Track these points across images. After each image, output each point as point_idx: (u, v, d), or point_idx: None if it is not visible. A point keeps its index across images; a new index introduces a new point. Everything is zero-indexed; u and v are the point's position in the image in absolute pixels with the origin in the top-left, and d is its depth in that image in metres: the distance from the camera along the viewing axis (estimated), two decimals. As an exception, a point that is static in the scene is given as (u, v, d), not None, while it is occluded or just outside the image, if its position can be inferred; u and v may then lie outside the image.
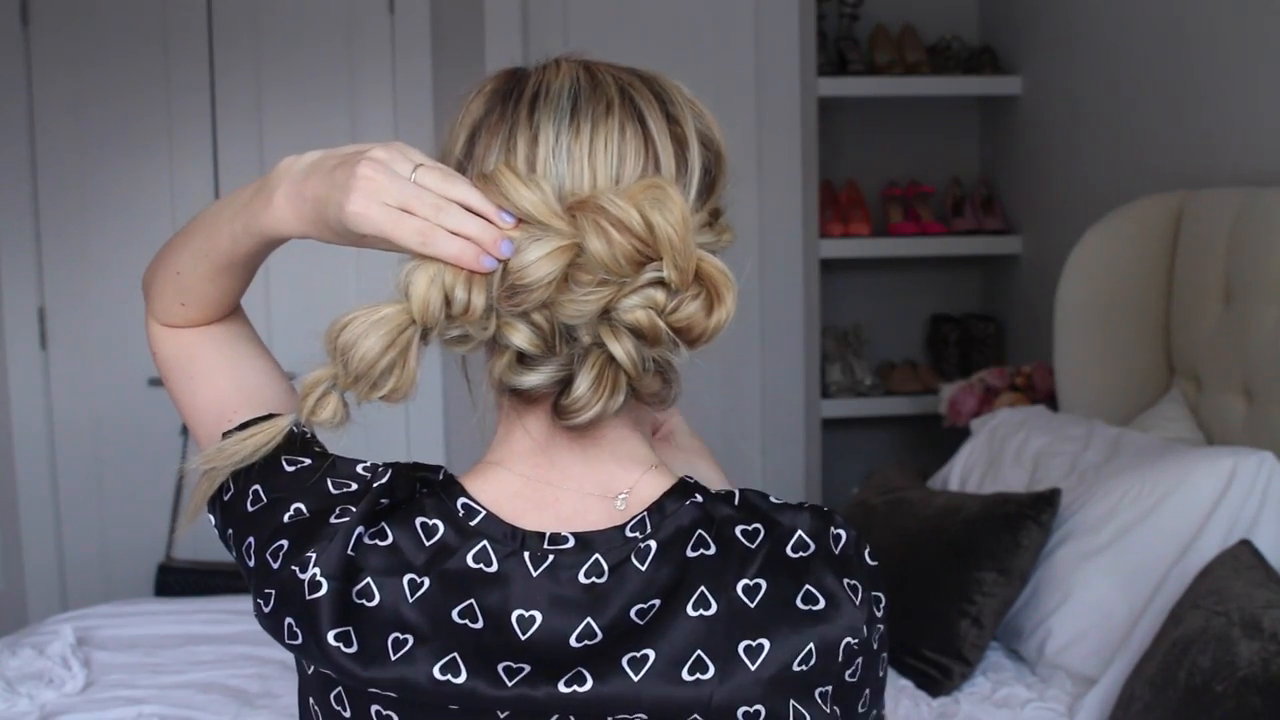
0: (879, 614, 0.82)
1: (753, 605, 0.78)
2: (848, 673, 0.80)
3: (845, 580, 0.80)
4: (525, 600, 0.79)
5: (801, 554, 0.80)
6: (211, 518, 0.88)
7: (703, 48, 3.32)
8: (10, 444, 3.20)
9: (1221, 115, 2.54)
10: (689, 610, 0.78)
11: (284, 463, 0.84)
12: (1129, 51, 2.89)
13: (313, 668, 0.82)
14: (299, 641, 0.79)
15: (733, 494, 0.83)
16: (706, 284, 0.79)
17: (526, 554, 0.80)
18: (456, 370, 0.87)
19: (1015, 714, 1.93)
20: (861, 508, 2.43)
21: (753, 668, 0.77)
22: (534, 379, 0.80)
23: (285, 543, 0.81)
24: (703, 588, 0.78)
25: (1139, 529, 2.01)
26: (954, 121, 3.74)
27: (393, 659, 0.77)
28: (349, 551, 0.79)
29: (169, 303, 0.92)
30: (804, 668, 0.78)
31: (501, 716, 0.78)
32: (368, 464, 0.84)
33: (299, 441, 0.85)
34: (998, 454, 2.49)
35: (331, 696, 0.82)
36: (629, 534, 0.81)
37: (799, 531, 0.81)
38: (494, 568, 0.80)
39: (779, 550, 0.80)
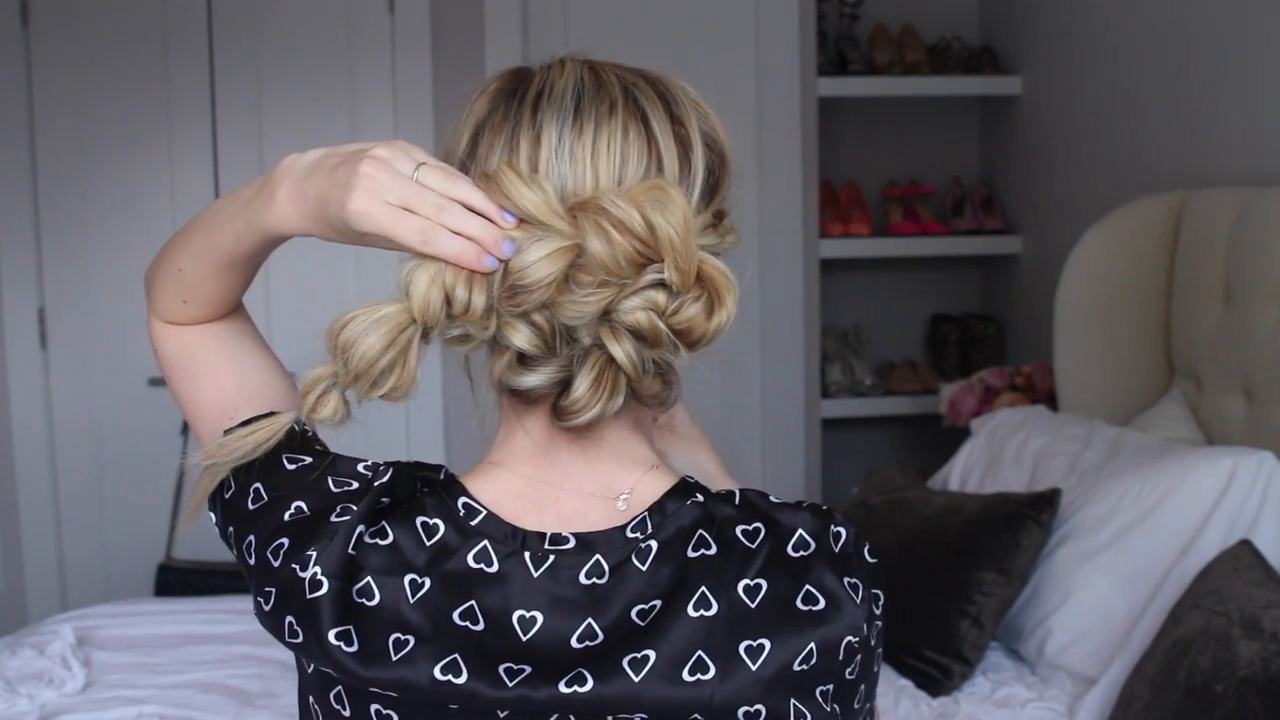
0: (878, 611, 0.83)
1: (753, 605, 0.78)
2: (848, 671, 0.80)
3: (845, 579, 0.80)
4: (526, 601, 0.79)
5: (802, 553, 0.80)
6: (212, 515, 0.88)
7: (703, 48, 3.32)
8: (10, 444, 3.20)
9: (1221, 115, 2.55)
10: (689, 611, 0.78)
11: (285, 461, 0.84)
12: (1129, 51, 2.89)
13: (313, 666, 0.82)
14: (300, 640, 0.79)
15: (733, 494, 0.83)
16: (708, 286, 0.79)
17: (527, 554, 0.80)
18: (457, 370, 0.87)
19: (1015, 714, 1.93)
20: (861, 508, 2.43)
21: (753, 668, 0.77)
22: (534, 379, 0.80)
23: (286, 541, 0.81)
24: (703, 588, 0.78)
25: (1139, 529, 2.01)
26: (954, 121, 3.74)
27: (393, 659, 0.77)
28: (350, 550, 0.79)
29: (171, 300, 0.92)
30: (804, 667, 0.78)
31: (502, 716, 0.78)
32: (369, 463, 0.84)
33: (300, 439, 0.85)
34: (998, 454, 2.49)
35: (331, 695, 0.82)
36: (630, 534, 0.81)
37: (799, 530, 0.81)
38: (494, 568, 0.80)
39: (780, 550, 0.80)
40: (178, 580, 3.01)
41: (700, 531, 0.81)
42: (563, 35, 3.27)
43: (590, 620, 0.78)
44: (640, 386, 0.81)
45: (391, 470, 0.83)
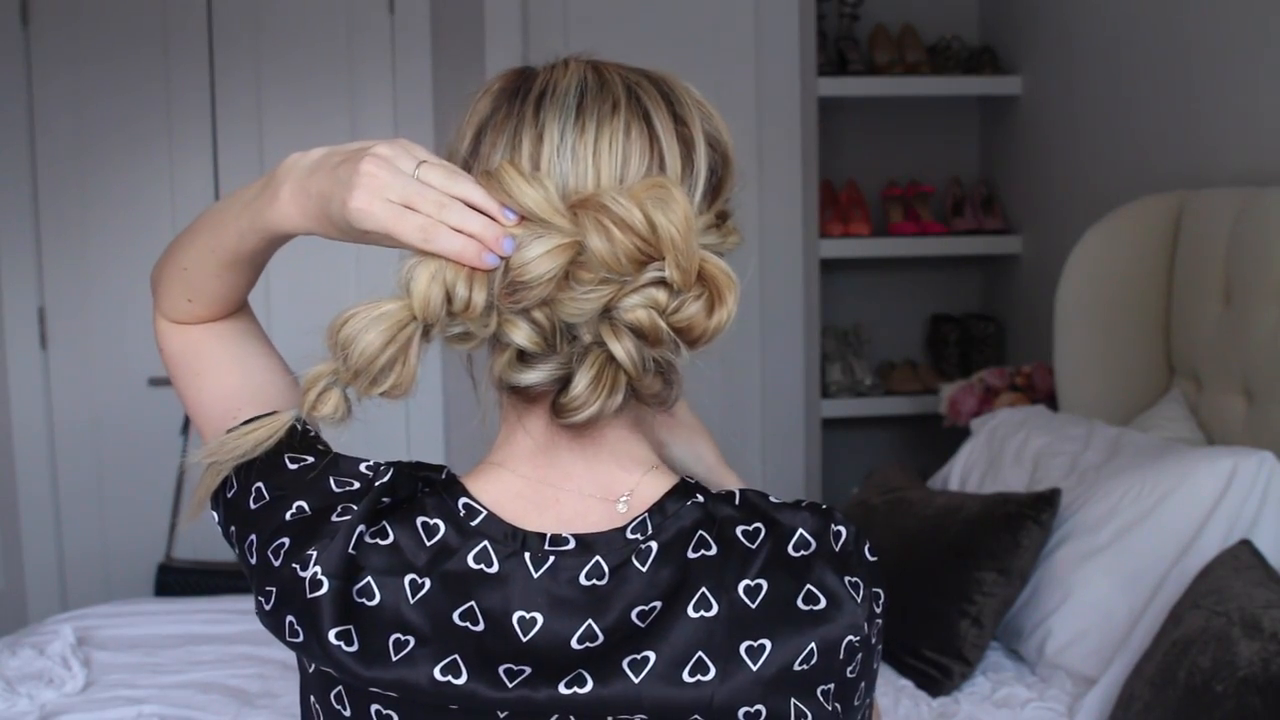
0: (878, 610, 0.83)
1: (754, 606, 0.78)
2: (849, 669, 0.80)
3: (846, 578, 0.80)
4: (526, 602, 0.79)
5: (803, 552, 0.80)
6: (214, 514, 0.88)
7: (703, 48, 3.32)
8: (10, 444, 3.20)
9: (1221, 115, 2.55)
10: (690, 611, 0.78)
11: (287, 460, 0.84)
12: (1129, 51, 2.89)
13: (314, 666, 0.82)
14: (300, 640, 0.79)
15: (733, 494, 0.83)
16: (709, 285, 0.79)
17: (527, 555, 0.80)
18: (457, 370, 0.87)
19: (1015, 714, 1.93)
20: (861, 508, 2.43)
21: (754, 668, 0.77)
22: (533, 376, 0.80)
23: (286, 540, 0.81)
24: (704, 589, 0.78)
25: (1139, 529, 2.01)
26: (954, 121, 3.74)
27: (393, 660, 0.78)
28: (350, 550, 0.79)
29: (176, 299, 0.92)
30: (805, 667, 0.78)
31: (501, 717, 0.78)
32: (370, 462, 0.84)
33: (303, 439, 0.86)
34: (998, 454, 2.49)
35: (332, 695, 0.82)
36: (630, 535, 0.81)
37: (800, 530, 0.81)
38: (494, 568, 0.80)
39: (780, 549, 0.80)
40: (178, 580, 3.02)
41: (700, 532, 0.81)
42: (563, 35, 3.27)
43: (590, 621, 0.78)
44: (641, 385, 0.80)
45: (392, 470, 0.83)
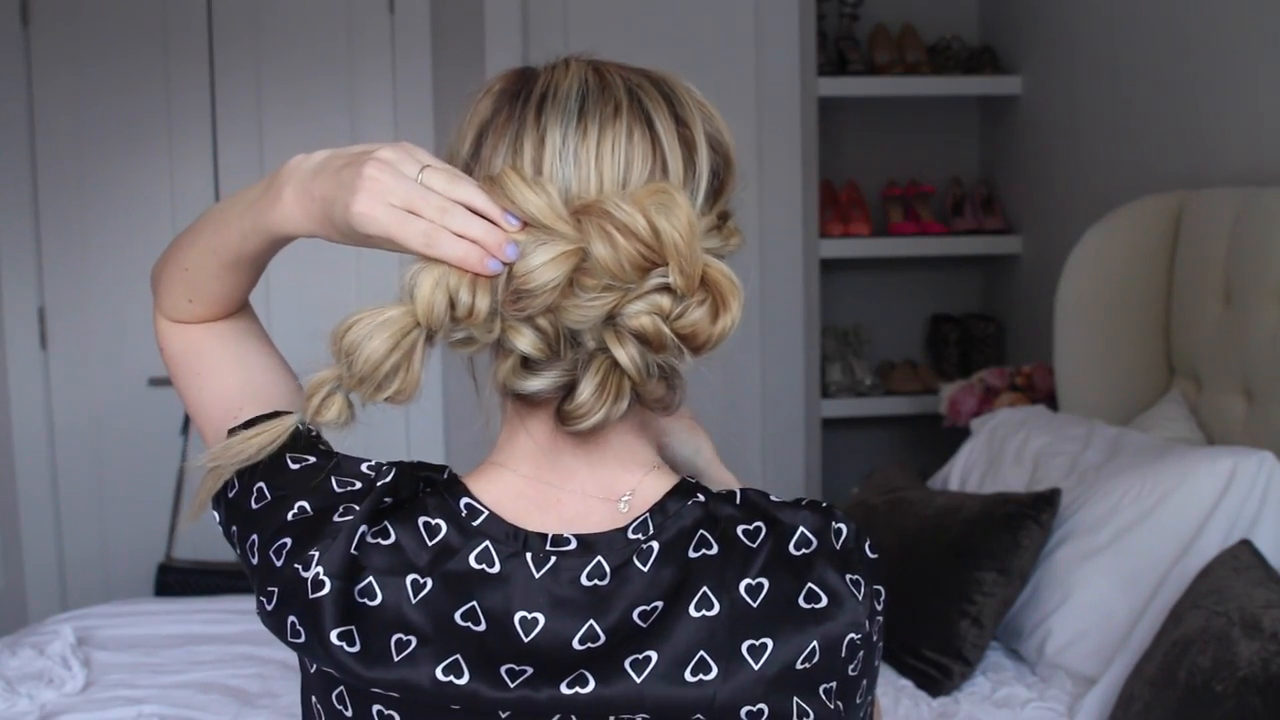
0: (879, 607, 0.83)
1: (755, 605, 0.78)
2: (850, 667, 0.80)
3: (847, 576, 0.81)
4: (527, 602, 0.79)
5: (804, 551, 0.81)
6: (216, 514, 0.88)
7: (703, 48, 3.32)
8: (10, 444, 3.20)
9: (1221, 115, 2.55)
10: (691, 611, 0.78)
11: (289, 461, 0.84)
12: (1129, 51, 2.89)
13: (315, 666, 0.82)
14: (302, 640, 0.79)
15: (734, 494, 0.84)
16: (712, 290, 0.78)
17: (529, 555, 0.81)
18: (457, 372, 0.87)
19: (1015, 714, 1.93)
20: (861, 508, 2.43)
21: (756, 667, 0.77)
22: (538, 384, 0.80)
23: (288, 541, 0.81)
24: (705, 588, 0.78)
25: (1139, 529, 2.01)
26: (954, 121, 3.74)
27: (395, 660, 0.78)
28: (352, 550, 0.79)
29: (177, 299, 0.92)
30: (807, 665, 0.78)
31: (503, 717, 0.78)
32: (372, 463, 0.84)
33: (304, 440, 0.85)
34: (998, 454, 2.49)
35: (334, 696, 0.82)
36: (631, 536, 0.81)
37: (801, 528, 0.81)
38: (496, 568, 0.80)
39: (781, 548, 0.80)
40: (178, 580, 3.02)
41: (701, 531, 0.81)
42: (563, 35, 3.27)
43: (592, 622, 0.78)
44: (644, 390, 0.80)
45: (394, 470, 0.83)
